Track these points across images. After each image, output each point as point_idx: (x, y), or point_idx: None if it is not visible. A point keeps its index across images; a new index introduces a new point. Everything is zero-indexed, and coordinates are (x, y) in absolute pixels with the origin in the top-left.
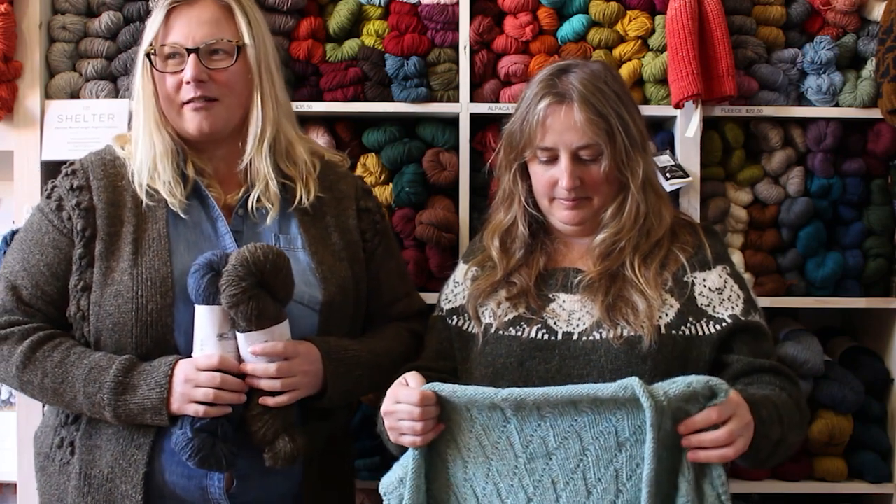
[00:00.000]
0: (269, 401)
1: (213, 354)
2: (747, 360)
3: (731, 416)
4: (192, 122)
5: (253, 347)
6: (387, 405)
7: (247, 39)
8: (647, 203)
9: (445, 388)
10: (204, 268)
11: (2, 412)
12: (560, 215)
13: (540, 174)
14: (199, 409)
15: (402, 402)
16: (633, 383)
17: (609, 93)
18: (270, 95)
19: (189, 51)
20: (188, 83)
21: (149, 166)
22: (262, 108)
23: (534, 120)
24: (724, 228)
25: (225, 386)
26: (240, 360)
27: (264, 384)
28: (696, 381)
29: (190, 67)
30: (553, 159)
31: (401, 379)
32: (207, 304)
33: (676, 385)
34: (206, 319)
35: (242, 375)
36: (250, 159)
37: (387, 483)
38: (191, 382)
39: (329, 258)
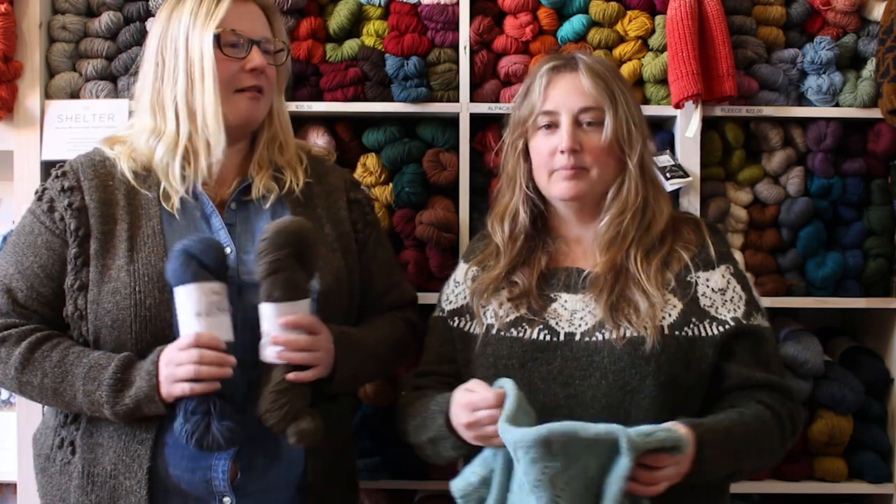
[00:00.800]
0: (292, 375)
1: (190, 333)
2: (744, 376)
3: (670, 465)
4: (244, 109)
5: (284, 319)
6: (466, 418)
7: (288, 43)
8: (646, 188)
9: (508, 383)
10: (180, 252)
11: (2, 412)
12: (558, 188)
13: (540, 144)
14: (185, 388)
15: (481, 407)
16: (620, 435)
17: (613, 70)
18: (283, 100)
19: (253, 42)
20: (252, 71)
21: (223, 141)
22: (280, 114)
23: (538, 88)
24: (725, 228)
25: (204, 360)
26: (250, 335)
27: (294, 356)
28: (668, 438)
29: (259, 56)
30: (554, 125)
31: (463, 390)
32: (182, 284)
33: (651, 439)
34: (183, 300)
35: (230, 354)
36: (254, 153)
37: (463, 486)
38: (172, 363)
39: (322, 249)
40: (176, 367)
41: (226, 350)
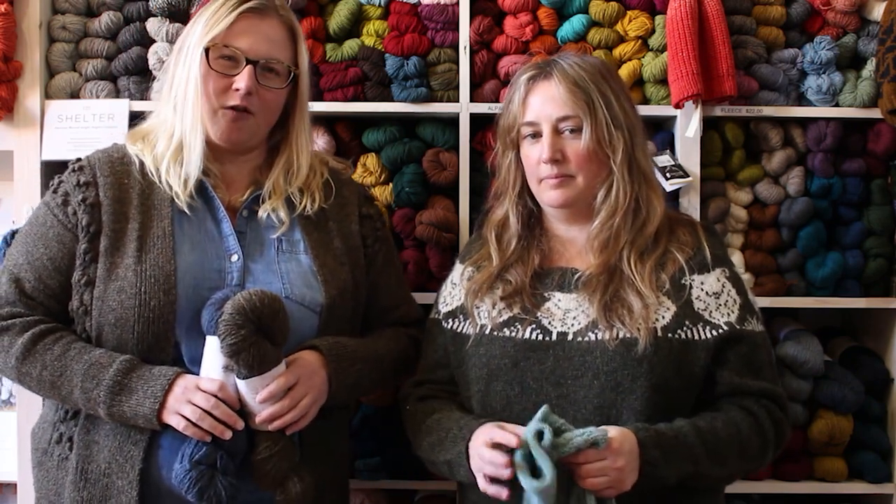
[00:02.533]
0: (289, 431)
1: (218, 380)
2: (735, 384)
3: (602, 458)
4: (222, 128)
5: (260, 396)
6: (481, 444)
7: (303, 67)
8: (633, 186)
9: (543, 409)
10: (219, 302)
11: (2, 412)
12: (547, 196)
13: (528, 154)
14: (181, 423)
15: (499, 444)
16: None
17: (593, 71)
18: (306, 123)
19: (249, 61)
20: (237, 90)
21: (199, 157)
22: (298, 137)
23: (517, 98)
24: (724, 228)
25: (217, 410)
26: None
27: (284, 421)
28: (582, 442)
29: (245, 78)
30: (538, 135)
31: (493, 425)
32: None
33: (568, 448)
34: (215, 349)
35: (238, 412)
36: (272, 171)
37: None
38: (185, 397)
39: (331, 261)
40: (186, 403)
41: (238, 411)
